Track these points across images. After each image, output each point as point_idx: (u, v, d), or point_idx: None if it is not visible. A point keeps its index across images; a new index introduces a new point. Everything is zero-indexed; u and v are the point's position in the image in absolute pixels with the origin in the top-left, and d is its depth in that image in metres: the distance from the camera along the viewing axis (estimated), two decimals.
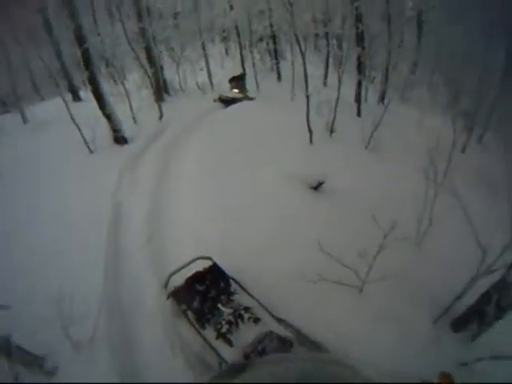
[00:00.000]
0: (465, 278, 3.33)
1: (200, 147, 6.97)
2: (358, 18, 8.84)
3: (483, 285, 3.30)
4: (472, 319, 3.53)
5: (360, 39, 9.21)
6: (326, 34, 13.56)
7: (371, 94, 11.87)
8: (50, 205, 5.45)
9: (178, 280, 3.33)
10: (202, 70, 14.19)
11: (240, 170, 5.72)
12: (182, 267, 3.38)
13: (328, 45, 14.32)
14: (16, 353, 2.72)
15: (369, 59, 11.09)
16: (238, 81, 11.60)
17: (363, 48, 9.32)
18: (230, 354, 2.74)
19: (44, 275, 3.77)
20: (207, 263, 3.50)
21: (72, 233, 4.71)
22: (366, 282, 3.47)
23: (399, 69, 13.33)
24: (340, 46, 14.20)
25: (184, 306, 3.13)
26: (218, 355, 2.74)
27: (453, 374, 2.48)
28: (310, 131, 6.80)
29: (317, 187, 5.17)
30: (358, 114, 9.46)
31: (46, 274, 3.82)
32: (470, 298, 3.42)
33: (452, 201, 3.57)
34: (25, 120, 10.73)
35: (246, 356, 2.70)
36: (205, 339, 2.88)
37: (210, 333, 2.94)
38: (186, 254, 3.61)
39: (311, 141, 6.87)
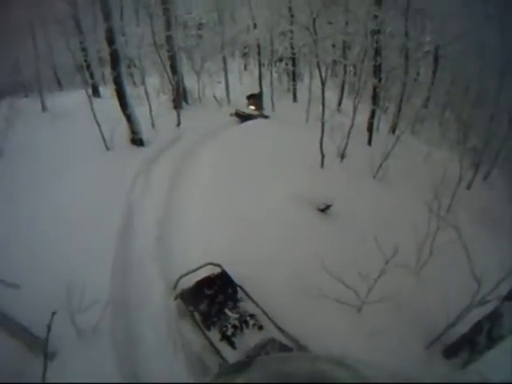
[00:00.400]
0: (460, 307, 3.47)
1: (214, 158, 7.19)
2: (377, 51, 9.11)
3: (477, 315, 3.44)
4: (464, 347, 3.64)
5: (377, 71, 9.49)
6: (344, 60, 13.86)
7: (383, 124, 12.12)
8: (63, 196, 5.58)
9: (185, 283, 3.47)
10: (219, 82, 14.52)
11: (251, 184, 5.93)
12: (193, 271, 3.54)
13: (345, 72, 14.68)
14: (21, 334, 2.85)
15: (384, 90, 11.36)
16: (255, 98, 11.99)
17: (380, 80, 9.60)
18: (232, 357, 2.85)
19: (54, 263, 3.91)
20: (216, 270, 3.65)
21: (84, 226, 4.84)
22: (364, 303, 3.61)
23: (412, 101, 13.64)
24: (356, 74, 14.54)
25: (191, 307, 3.26)
26: (221, 356, 2.86)
27: None
28: (323, 155, 7.00)
29: (324, 209, 5.36)
30: (369, 142, 9.67)
31: (57, 262, 3.95)
32: (463, 327, 3.55)
33: (453, 235, 3.73)
34: (44, 108, 10.86)
35: None
36: (209, 339, 3.00)
37: (214, 335, 3.06)
38: (193, 260, 3.78)
39: (322, 164, 7.08)
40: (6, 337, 2.92)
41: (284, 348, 2.94)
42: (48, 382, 2.40)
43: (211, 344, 2.97)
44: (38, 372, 2.47)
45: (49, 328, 2.47)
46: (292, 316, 3.35)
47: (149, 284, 4.10)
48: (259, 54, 14.56)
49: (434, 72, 13.70)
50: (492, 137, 10.15)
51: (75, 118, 9.15)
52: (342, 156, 7.67)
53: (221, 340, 3.01)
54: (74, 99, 11.05)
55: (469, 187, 9.87)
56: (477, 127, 10.38)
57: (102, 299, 3.43)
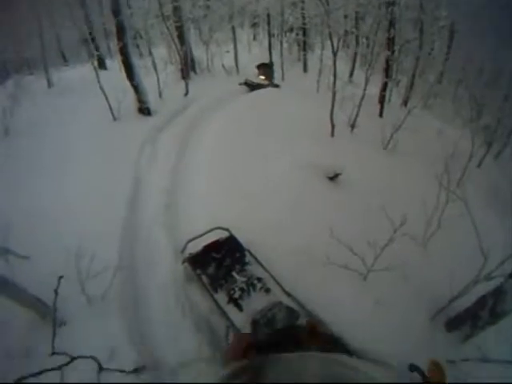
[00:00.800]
0: (465, 281, 3.46)
1: (222, 126, 7.10)
2: (391, 23, 8.78)
3: (481, 291, 3.42)
4: (466, 321, 3.64)
5: (391, 43, 9.16)
6: (357, 32, 13.44)
7: (395, 97, 11.86)
8: (72, 167, 5.63)
9: (193, 249, 3.49)
10: (228, 52, 14.21)
11: (260, 152, 5.86)
12: (201, 235, 3.55)
13: (357, 43, 14.27)
14: (32, 304, 2.91)
15: (397, 63, 11.07)
16: (265, 68, 11.63)
17: (393, 52, 9.29)
18: (238, 319, 2.89)
19: (64, 233, 3.94)
20: (224, 234, 3.66)
21: (93, 196, 4.90)
22: (371, 271, 3.64)
23: (425, 76, 13.29)
24: (368, 46, 14.13)
25: (199, 271, 3.28)
26: (228, 318, 2.90)
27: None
28: (333, 124, 6.91)
29: (333, 178, 5.31)
30: (381, 114, 9.50)
31: (66, 231, 3.99)
32: (467, 302, 3.55)
33: (461, 209, 3.69)
34: (50, 84, 10.79)
35: (254, 322, 2.82)
36: (216, 302, 3.03)
37: (221, 297, 3.08)
38: (201, 226, 3.77)
39: (333, 134, 6.99)
40: (18, 308, 2.97)
41: (290, 311, 2.97)
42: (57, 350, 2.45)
43: (218, 306, 3.00)
44: (49, 340, 2.54)
45: (56, 292, 2.51)
46: (299, 281, 3.36)
47: (157, 250, 4.17)
48: (269, 24, 14.06)
49: (449, 47, 13.28)
50: (505, 116, 9.91)
51: (82, 91, 9.16)
52: (353, 126, 7.55)
53: (228, 303, 3.03)
54: (80, 73, 11.08)
55: (479, 165, 9.75)
56: (490, 106, 10.19)
57: (112, 266, 3.48)
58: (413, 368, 2.60)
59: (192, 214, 4.64)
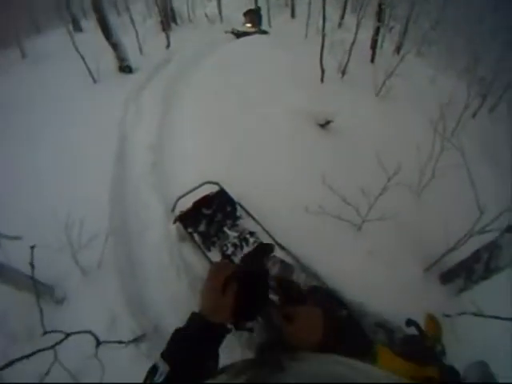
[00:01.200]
0: (459, 234, 3.43)
1: (207, 77, 6.82)
2: None
3: (476, 244, 3.41)
4: (461, 274, 3.65)
5: None
6: None
7: (387, 43, 11.37)
8: (54, 135, 5.39)
9: (184, 206, 3.38)
10: (210, 1, 13.41)
11: (247, 103, 5.62)
12: (190, 191, 3.42)
13: None
14: (28, 284, 2.78)
15: (390, 8, 10.50)
16: (252, 14, 10.98)
17: None
18: None
19: (53, 205, 3.73)
20: (214, 189, 3.55)
21: (77, 161, 4.73)
22: (365, 221, 3.60)
23: (420, 23, 12.72)
24: None
25: (191, 229, 3.21)
26: None
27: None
28: (323, 70, 6.63)
29: (324, 125, 5.14)
30: (372, 60, 9.11)
31: (55, 203, 3.80)
32: (462, 255, 3.56)
33: (456, 159, 3.59)
34: (24, 55, 10.19)
35: None
36: (210, 260, 2.99)
37: (215, 254, 3.05)
38: (190, 183, 3.62)
39: (322, 80, 6.73)
40: (14, 291, 2.91)
41: (285, 265, 2.97)
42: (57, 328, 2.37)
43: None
44: (49, 319, 2.48)
45: (32, 265, 2.40)
46: (292, 233, 3.32)
47: (147, 210, 4.07)
48: None
49: None
50: (502, 69, 9.73)
51: (58, 58, 8.67)
52: (343, 72, 7.25)
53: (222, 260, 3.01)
54: (55, 39, 10.42)
55: (474, 116, 9.63)
56: (487, 57, 9.88)
57: (103, 231, 3.41)
58: (410, 323, 2.62)
59: (180, 170, 4.50)
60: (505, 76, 10.46)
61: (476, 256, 3.46)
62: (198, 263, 3.15)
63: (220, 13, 12.52)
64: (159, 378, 0.71)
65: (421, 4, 12.29)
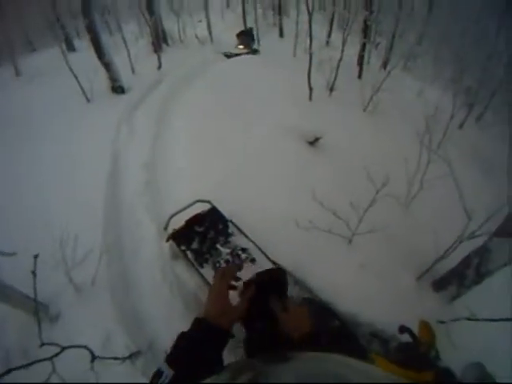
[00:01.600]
0: (449, 242, 3.52)
1: (198, 97, 6.93)
2: None
3: (466, 250, 3.49)
4: (452, 281, 3.71)
5: (369, 2, 8.83)
6: None
7: (374, 59, 11.70)
8: (48, 154, 5.45)
9: (177, 224, 3.41)
10: (200, 21, 13.70)
11: (238, 121, 5.72)
12: (182, 209, 3.45)
13: (334, 4, 13.90)
14: (24, 302, 2.82)
15: (375, 24, 10.81)
16: (244, 36, 11.15)
17: (371, 12, 8.94)
18: None
19: (47, 222, 3.80)
20: (206, 206, 3.59)
21: (71, 180, 4.79)
22: (355, 234, 3.66)
23: (405, 37, 13.09)
24: (346, 6, 13.80)
25: (184, 247, 3.22)
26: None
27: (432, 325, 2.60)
28: (311, 88, 6.77)
29: (313, 142, 5.23)
30: (359, 76, 9.34)
31: (50, 220, 3.86)
32: (453, 262, 3.64)
33: (444, 170, 3.67)
34: (18, 72, 10.33)
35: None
36: (203, 277, 3.00)
37: (208, 271, 3.05)
38: (183, 201, 3.65)
39: (311, 98, 6.87)
40: (10, 309, 2.92)
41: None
42: (49, 341, 2.40)
43: (206, 282, 2.97)
44: (44, 336, 2.48)
45: (34, 274, 2.42)
46: (284, 249, 3.36)
47: (141, 228, 4.10)
48: None
49: (431, 7, 13.02)
50: (488, 78, 9.94)
51: (51, 76, 8.78)
52: (331, 89, 7.42)
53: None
54: (48, 58, 10.52)
55: (461, 127, 9.83)
56: (473, 67, 10.16)
57: (97, 249, 3.43)
58: (403, 329, 2.64)
59: (173, 188, 4.53)
60: (490, 84, 10.74)
61: (466, 261, 3.53)
62: (190, 280, 3.16)
63: (210, 33, 12.70)
64: (164, 381, 0.73)
65: (405, 19, 12.67)
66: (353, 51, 9.38)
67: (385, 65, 11.18)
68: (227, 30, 12.11)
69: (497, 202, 3.17)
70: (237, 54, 10.20)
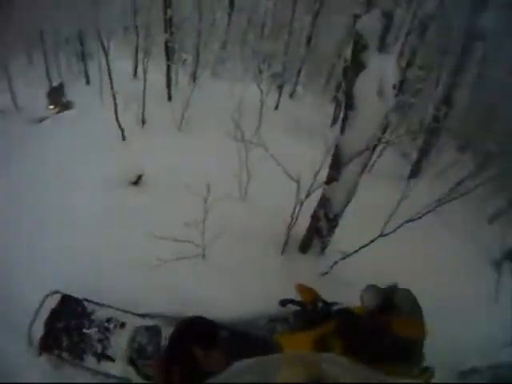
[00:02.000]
0: (288, 211, 4.01)
1: None
2: (166, 3, 8.79)
3: (310, 209, 4.04)
4: (313, 237, 4.25)
5: (168, 25, 9.16)
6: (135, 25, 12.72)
7: (182, 77, 12.22)
8: None
9: (39, 328, 3.00)
10: None
11: (50, 191, 5.08)
12: (36, 315, 3.07)
13: (137, 35, 13.84)
14: None
15: (178, 43, 11.25)
16: (55, 93, 10.22)
17: (171, 33, 9.34)
18: (119, 369, 2.78)
19: None
20: (58, 297, 3.25)
21: None
22: (205, 248, 3.86)
23: (210, 47, 14.12)
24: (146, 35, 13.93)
25: (57, 351, 2.92)
26: (109, 376, 2.76)
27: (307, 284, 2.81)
28: (121, 128, 6.70)
29: (137, 181, 5.24)
30: (169, 98, 9.71)
31: None
32: (305, 223, 4.18)
33: (263, 153, 4.20)
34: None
35: (132, 361, 2.79)
36: (89, 369, 2.83)
37: (91, 360, 2.87)
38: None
39: (123, 138, 6.81)
40: None
41: (150, 329, 3.00)
42: None
43: (94, 371, 2.81)
44: None
45: None
46: (144, 297, 3.37)
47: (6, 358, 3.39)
48: None
49: (230, 14, 14.26)
50: (290, 60, 11.89)
51: None
52: (143, 121, 7.54)
53: (98, 362, 2.85)
54: None
55: (276, 107, 11.18)
56: (276, 55, 12.03)
57: None
58: (284, 302, 2.91)
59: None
60: (294, 65, 12.63)
61: (315, 216, 4.08)
62: (84, 379, 2.87)
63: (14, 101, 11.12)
64: None
65: (208, 30, 13.64)
66: (161, 76, 9.63)
67: (194, 78, 11.77)
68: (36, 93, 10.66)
69: (319, 160, 3.71)
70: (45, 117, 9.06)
